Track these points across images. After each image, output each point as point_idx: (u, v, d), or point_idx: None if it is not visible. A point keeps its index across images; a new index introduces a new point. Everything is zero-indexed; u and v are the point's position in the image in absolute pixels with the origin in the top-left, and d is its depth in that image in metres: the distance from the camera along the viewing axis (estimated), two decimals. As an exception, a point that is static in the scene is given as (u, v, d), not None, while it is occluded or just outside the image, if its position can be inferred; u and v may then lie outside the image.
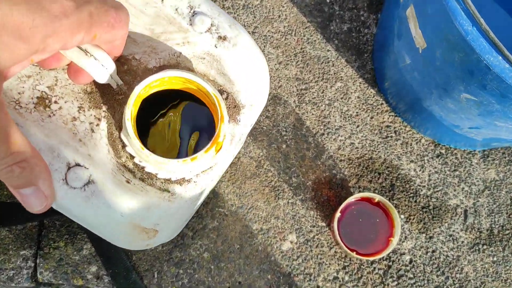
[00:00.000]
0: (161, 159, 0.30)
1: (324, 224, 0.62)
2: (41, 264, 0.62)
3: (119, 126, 0.33)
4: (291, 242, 0.62)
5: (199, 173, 0.34)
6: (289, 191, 0.64)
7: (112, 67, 0.30)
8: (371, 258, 0.55)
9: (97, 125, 0.32)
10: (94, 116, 0.32)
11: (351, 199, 0.57)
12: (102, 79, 0.30)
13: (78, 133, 0.31)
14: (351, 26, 0.71)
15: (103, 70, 0.29)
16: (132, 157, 0.33)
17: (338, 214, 0.57)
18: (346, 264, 0.61)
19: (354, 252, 0.55)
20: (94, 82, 0.33)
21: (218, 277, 0.61)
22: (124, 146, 0.33)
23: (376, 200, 0.58)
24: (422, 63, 0.49)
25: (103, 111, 0.33)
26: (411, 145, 0.65)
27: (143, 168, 0.33)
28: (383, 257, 0.61)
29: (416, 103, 0.57)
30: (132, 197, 0.32)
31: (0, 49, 0.23)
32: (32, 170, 0.27)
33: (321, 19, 0.71)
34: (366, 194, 0.57)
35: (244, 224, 0.63)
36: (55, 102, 0.32)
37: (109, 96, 0.33)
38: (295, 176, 0.64)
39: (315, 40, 0.70)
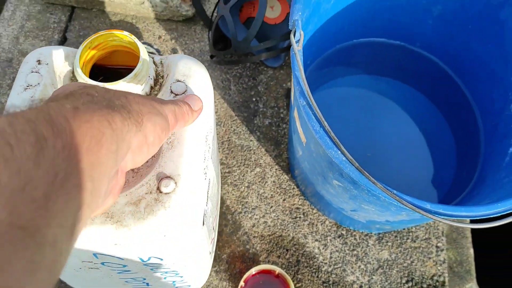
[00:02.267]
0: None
1: (234, 294, 0.69)
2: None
3: None
4: (203, 310, 0.68)
5: None
6: (206, 262, 0.71)
7: None
8: (268, 325, 0.62)
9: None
10: None
11: (252, 270, 0.64)
12: None
13: None
14: (272, 121, 0.83)
15: None
16: None
17: (241, 283, 0.64)
18: (251, 332, 0.67)
19: (253, 319, 0.62)
20: None
21: None
22: None
23: (277, 273, 0.65)
24: (307, 155, 0.60)
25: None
26: (316, 225, 0.74)
27: None
28: (284, 327, 0.67)
29: (312, 188, 0.67)
30: None
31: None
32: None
33: (247, 114, 0.83)
34: (267, 267, 0.65)
35: (161, 292, 0.68)
36: None
37: None
38: (212, 249, 0.72)
39: (240, 131, 0.82)
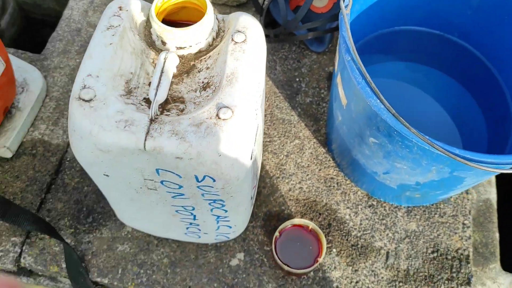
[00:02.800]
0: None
1: (268, 249, 0.74)
2: (26, 250, 0.73)
3: None
4: (239, 260, 0.73)
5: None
6: (243, 218, 0.76)
7: None
8: (300, 271, 0.66)
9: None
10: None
11: (287, 223, 0.70)
12: None
13: None
14: (313, 99, 0.89)
15: None
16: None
17: (276, 234, 0.69)
18: (282, 283, 0.72)
19: (286, 266, 0.67)
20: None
21: (172, 279, 0.71)
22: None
23: (310, 228, 0.70)
24: (347, 117, 0.65)
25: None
26: (349, 195, 0.79)
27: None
28: (313, 281, 0.72)
29: (348, 156, 0.73)
30: None
31: None
32: None
33: (290, 92, 0.90)
34: (301, 221, 0.70)
35: (200, 243, 0.74)
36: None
37: None
38: (250, 207, 0.77)
39: (282, 107, 0.88)
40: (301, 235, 0.71)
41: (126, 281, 0.71)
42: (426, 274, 0.73)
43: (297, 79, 0.91)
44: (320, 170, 0.82)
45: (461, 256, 0.75)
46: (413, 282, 0.72)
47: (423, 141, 0.49)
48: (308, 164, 0.82)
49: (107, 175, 0.52)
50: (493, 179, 0.86)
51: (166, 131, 0.47)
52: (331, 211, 0.78)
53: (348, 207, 0.78)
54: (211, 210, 0.59)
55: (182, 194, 0.54)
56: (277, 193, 0.79)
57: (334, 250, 0.75)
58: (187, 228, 0.66)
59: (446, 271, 0.73)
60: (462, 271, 0.74)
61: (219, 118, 0.48)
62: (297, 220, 0.70)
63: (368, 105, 0.54)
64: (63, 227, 0.75)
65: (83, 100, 0.48)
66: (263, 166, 0.81)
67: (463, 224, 0.77)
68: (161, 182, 0.52)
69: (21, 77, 0.84)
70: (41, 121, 0.84)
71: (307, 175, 0.81)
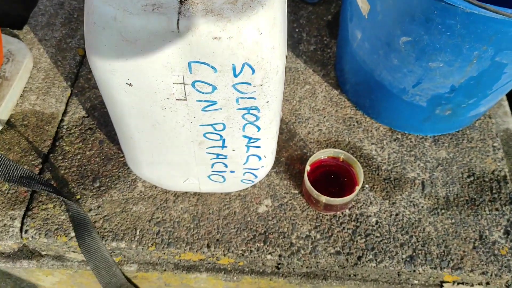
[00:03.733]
0: None
1: (296, 191, 0.68)
2: (27, 223, 0.64)
3: None
4: (267, 206, 0.67)
5: None
6: (265, 165, 0.70)
7: None
8: (339, 200, 0.61)
9: None
10: None
11: (320, 155, 0.64)
12: None
13: None
14: (316, 47, 0.85)
15: None
16: None
17: (307, 167, 0.63)
18: (317, 224, 0.65)
19: (325, 197, 0.61)
20: None
21: (197, 234, 0.64)
22: None
23: (342, 158, 0.65)
24: (370, 28, 0.62)
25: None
26: (371, 131, 0.75)
27: None
28: (350, 218, 0.66)
29: (369, 81, 0.69)
30: None
31: None
32: None
33: (291, 42, 0.86)
34: (332, 151, 0.65)
35: (222, 192, 0.68)
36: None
37: None
38: (270, 154, 0.72)
39: (287, 56, 0.84)
40: (333, 168, 0.65)
41: (145, 242, 0.63)
42: (467, 198, 0.69)
43: (297, 30, 0.88)
44: (336, 111, 0.77)
45: (498, 177, 0.71)
46: (455, 207, 0.68)
47: (472, 5, 0.45)
48: (323, 107, 0.78)
49: (129, 84, 0.46)
50: (508, 110, 0.83)
51: (199, 10, 0.41)
52: (356, 149, 0.73)
53: (373, 143, 0.74)
54: (243, 127, 0.53)
55: (215, 103, 0.48)
56: (296, 137, 0.74)
57: (367, 185, 0.69)
58: (213, 165, 0.59)
59: (487, 193, 0.69)
60: (502, 191, 0.69)
61: None
62: (327, 151, 0.65)
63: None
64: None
65: None
66: (276, 114, 0.76)
67: (493, 146, 0.74)
68: (193, 84, 0.46)
69: (5, 49, 0.77)
70: (30, 92, 0.77)
71: (324, 117, 0.76)
